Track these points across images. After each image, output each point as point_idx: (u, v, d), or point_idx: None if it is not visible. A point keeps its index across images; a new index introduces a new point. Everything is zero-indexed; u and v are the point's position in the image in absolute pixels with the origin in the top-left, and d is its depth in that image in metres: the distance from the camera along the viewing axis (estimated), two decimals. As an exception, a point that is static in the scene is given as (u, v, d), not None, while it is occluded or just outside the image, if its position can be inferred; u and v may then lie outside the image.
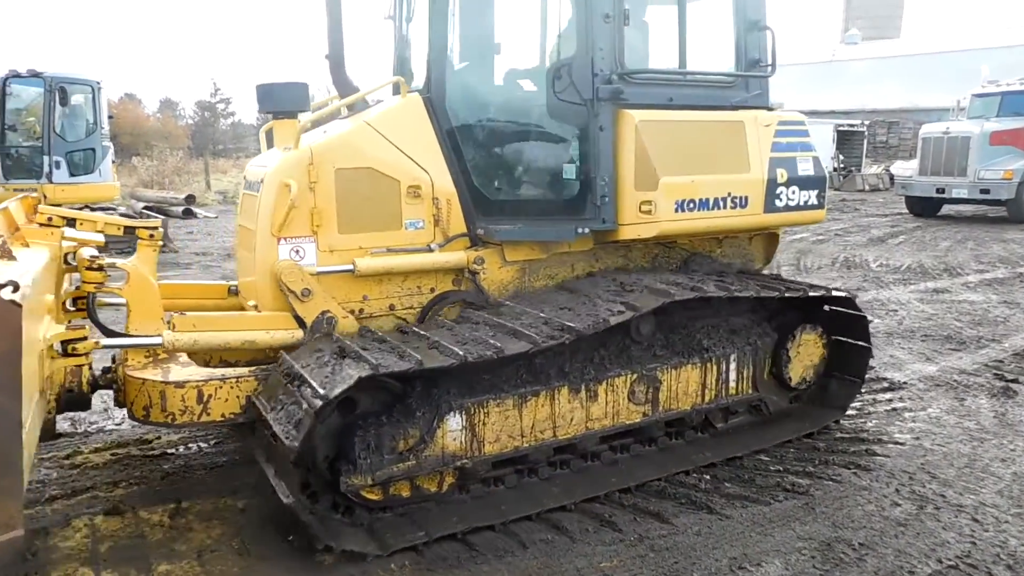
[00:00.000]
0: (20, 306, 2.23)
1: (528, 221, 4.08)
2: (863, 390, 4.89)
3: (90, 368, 3.62)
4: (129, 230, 3.87)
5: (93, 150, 12.68)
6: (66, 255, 3.76)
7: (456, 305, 4.08)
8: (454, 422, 3.44)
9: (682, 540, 3.39)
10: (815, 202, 4.60)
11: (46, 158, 12.09)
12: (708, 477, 3.97)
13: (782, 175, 4.43)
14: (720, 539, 3.41)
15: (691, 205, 4.14)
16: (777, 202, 4.45)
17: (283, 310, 3.71)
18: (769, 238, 5.02)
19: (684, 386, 4.09)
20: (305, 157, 3.69)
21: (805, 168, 4.55)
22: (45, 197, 11.42)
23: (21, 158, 12.26)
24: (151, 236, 3.80)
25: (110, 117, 13.52)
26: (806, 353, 4.49)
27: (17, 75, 12.26)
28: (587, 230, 4.07)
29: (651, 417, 4.01)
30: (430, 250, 3.96)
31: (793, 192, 4.49)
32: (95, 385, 3.63)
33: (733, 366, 4.24)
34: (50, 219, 3.62)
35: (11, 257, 2.90)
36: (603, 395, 3.84)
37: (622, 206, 4.11)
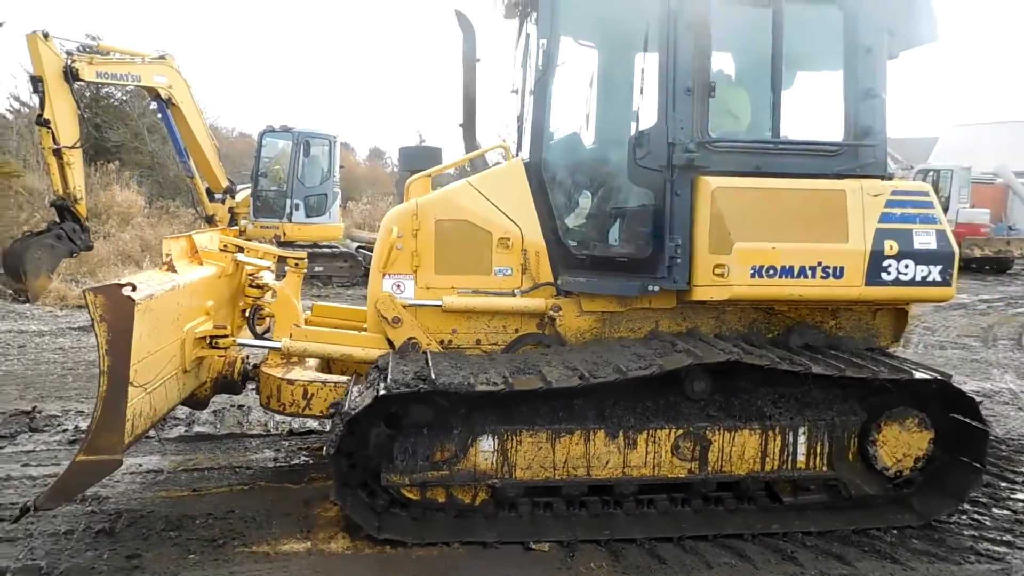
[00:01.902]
0: (134, 301, 3.33)
1: (601, 276, 4.43)
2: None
3: (243, 361, 4.81)
4: (281, 259, 5.00)
5: (326, 195, 14.67)
6: (250, 275, 5.03)
7: (537, 345, 4.55)
8: (486, 444, 3.92)
9: None
10: (938, 278, 4.24)
11: (288, 201, 14.22)
12: (895, 531, 4.07)
13: (891, 247, 4.18)
14: None
15: (771, 272, 4.14)
16: (884, 275, 4.20)
17: (382, 333, 4.54)
18: (897, 313, 4.68)
19: (739, 451, 4.07)
20: (411, 209, 4.50)
21: (925, 241, 4.24)
22: (284, 234, 13.82)
23: (268, 200, 14.52)
24: (296, 265, 4.89)
25: (340, 167, 15.48)
26: (900, 439, 4.14)
27: (272, 130, 14.70)
28: (656, 288, 4.29)
29: (698, 475, 4.07)
30: (513, 295, 4.51)
31: (906, 266, 4.21)
32: (245, 376, 4.81)
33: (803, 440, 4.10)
34: (225, 246, 4.89)
35: (173, 269, 4.13)
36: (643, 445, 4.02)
37: (696, 268, 4.26)
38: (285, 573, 3.56)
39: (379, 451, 3.92)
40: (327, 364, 4.97)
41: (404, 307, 4.47)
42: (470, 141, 5.02)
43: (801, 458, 4.11)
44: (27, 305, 10.36)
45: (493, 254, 4.53)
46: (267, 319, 5.05)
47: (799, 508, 4.20)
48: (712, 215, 4.16)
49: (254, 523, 4.05)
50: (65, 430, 5.53)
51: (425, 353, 4.28)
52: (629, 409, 4.04)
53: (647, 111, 4.34)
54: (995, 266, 19.90)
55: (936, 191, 17.09)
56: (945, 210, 19.72)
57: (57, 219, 11.12)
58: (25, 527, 3.95)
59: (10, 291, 10.77)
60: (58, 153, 10.65)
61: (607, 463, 4.01)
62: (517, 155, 4.88)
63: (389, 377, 3.79)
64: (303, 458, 5.04)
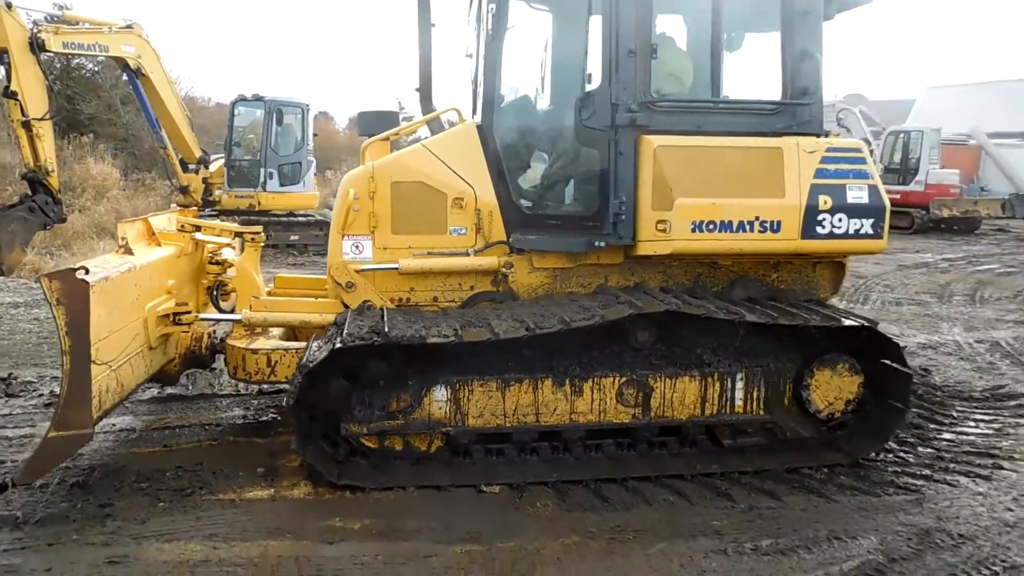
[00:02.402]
0: (88, 284, 3.52)
1: (551, 233, 4.62)
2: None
3: (210, 336, 5.03)
4: (238, 234, 5.17)
5: (300, 164, 14.62)
6: (210, 253, 5.21)
7: (491, 302, 4.75)
8: (440, 393, 4.14)
9: (788, 513, 3.90)
10: (870, 231, 4.45)
11: (262, 170, 14.18)
12: (826, 469, 4.35)
13: (825, 202, 4.39)
14: (824, 516, 3.86)
15: (711, 226, 4.33)
16: (819, 229, 4.40)
17: (338, 298, 4.73)
18: (835, 266, 4.92)
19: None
20: (367, 172, 4.65)
21: (857, 196, 4.44)
22: (259, 203, 13.85)
23: (242, 170, 14.46)
24: (253, 239, 5.07)
25: (314, 135, 15.42)
26: (832, 384, 4.39)
27: (243, 99, 14.62)
28: (603, 244, 4.49)
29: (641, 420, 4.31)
30: (467, 254, 4.70)
31: (840, 220, 4.42)
32: (213, 350, 5.02)
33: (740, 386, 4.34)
34: (182, 226, 5.06)
35: (129, 252, 4.31)
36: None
37: (640, 224, 4.45)
38: (248, 517, 3.78)
39: (338, 403, 4.12)
40: (293, 332, 5.16)
41: (357, 272, 4.64)
42: (426, 105, 5.16)
43: (739, 403, 4.36)
44: (1, 278, 10.41)
45: (448, 214, 4.70)
46: (232, 294, 5.23)
47: (738, 450, 4.46)
48: (654, 173, 4.34)
49: (222, 474, 4.25)
50: (40, 395, 5.69)
51: (382, 310, 4.47)
52: (575, 359, 4.26)
53: (592, 73, 4.50)
54: (963, 226, 20.25)
55: (907, 152, 17.88)
56: (915, 171, 20.43)
57: (29, 192, 11.10)
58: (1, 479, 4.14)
59: (-16, 264, 10.80)
60: (27, 125, 10.55)
61: (555, 410, 4.24)
62: (472, 118, 5.02)
63: (345, 331, 3.98)
64: (271, 415, 5.24)
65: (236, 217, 13.54)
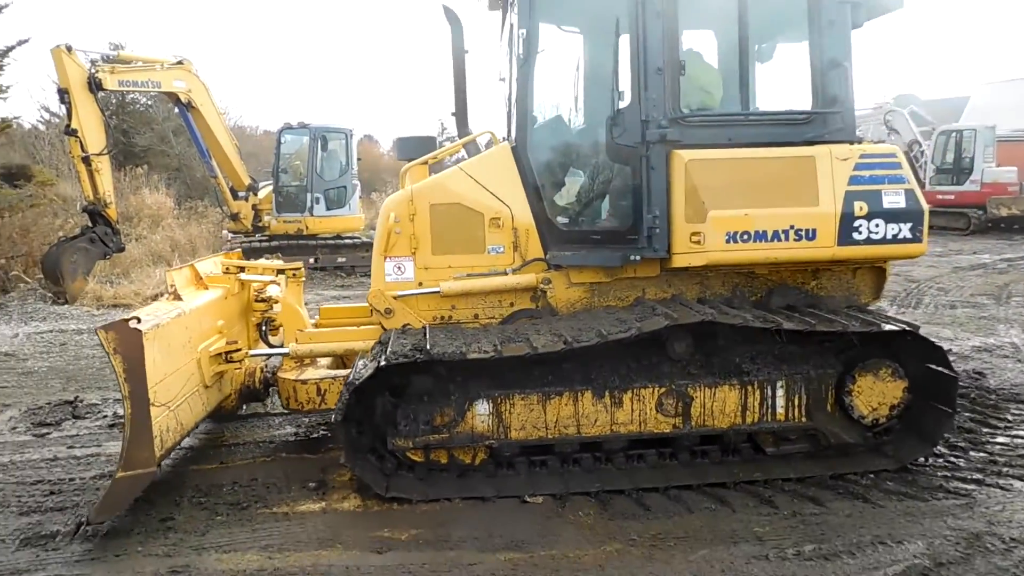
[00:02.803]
0: (141, 332, 3.75)
1: (587, 249, 4.71)
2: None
3: (262, 370, 5.27)
4: (280, 271, 5.41)
5: (345, 188, 14.97)
6: (257, 291, 5.47)
7: (531, 319, 4.86)
8: (482, 407, 4.25)
9: (832, 518, 3.89)
10: (908, 235, 4.44)
11: (309, 195, 14.55)
12: (872, 475, 4.33)
13: (861, 208, 4.40)
14: (869, 521, 3.85)
15: (745, 237, 4.38)
16: (856, 235, 4.42)
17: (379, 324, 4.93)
18: (875, 272, 4.90)
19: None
20: (407, 195, 4.82)
21: (894, 201, 4.44)
22: (307, 228, 14.17)
23: (290, 195, 14.84)
24: (294, 275, 5.29)
25: (358, 159, 15.74)
26: (875, 389, 4.37)
27: (289, 127, 15.02)
28: (638, 257, 4.56)
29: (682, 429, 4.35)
30: (505, 273, 4.82)
31: (877, 225, 4.42)
32: (267, 384, 5.25)
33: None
34: (227, 268, 5.31)
35: (178, 298, 4.57)
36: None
37: (674, 237, 4.52)
38: (301, 529, 3.93)
39: (384, 418, 4.27)
40: (341, 361, 5.38)
41: (395, 298, 4.80)
42: (462, 129, 5.32)
43: (780, 410, 4.37)
44: (66, 306, 10.92)
45: (485, 234, 4.83)
46: (280, 328, 5.49)
47: (781, 457, 4.47)
48: (687, 186, 4.41)
49: (275, 488, 4.44)
50: (105, 416, 5.99)
51: (424, 328, 4.61)
52: (614, 371, 4.34)
53: (623, 91, 4.61)
54: (1023, 225, 19.62)
55: (959, 151, 17.41)
56: (969, 171, 19.90)
57: (89, 223, 11.65)
58: (72, 499, 4.38)
59: (50, 294, 11.35)
60: (87, 161, 11.15)
61: (596, 421, 4.31)
62: (505, 140, 5.17)
63: (389, 349, 4.13)
64: (321, 432, 5.42)
65: (282, 244, 13.95)
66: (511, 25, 5.22)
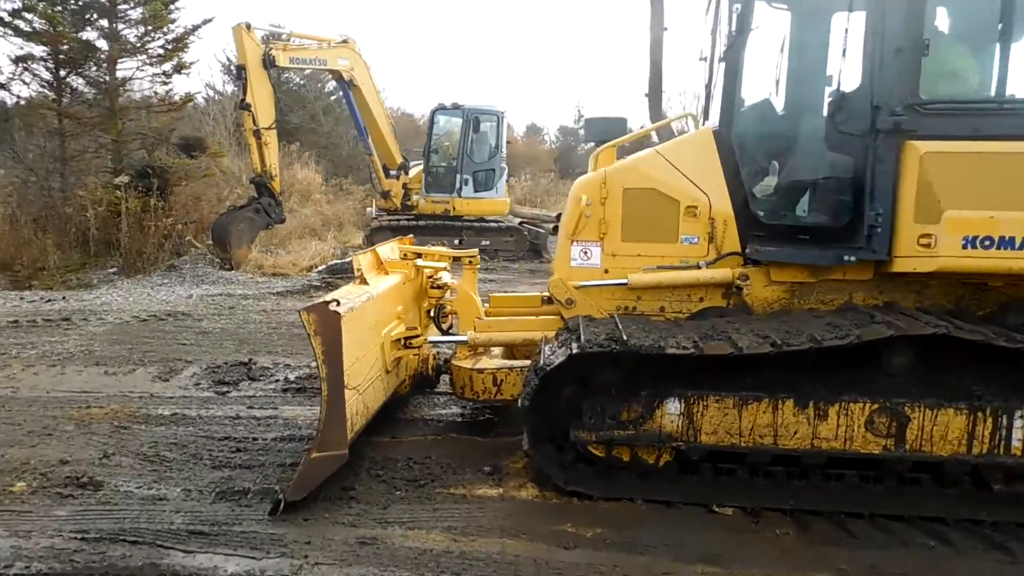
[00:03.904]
0: (340, 314, 3.74)
1: (793, 245, 4.34)
2: None
3: (435, 358, 5.25)
4: (456, 259, 5.33)
5: (494, 170, 14.82)
6: (429, 277, 5.43)
7: (721, 317, 4.55)
8: (673, 406, 4.00)
9: None
10: None
11: (458, 176, 14.50)
12: None
13: None
14: None
15: (987, 243, 3.88)
16: None
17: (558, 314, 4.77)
18: None
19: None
20: (600, 178, 4.61)
21: None
22: (454, 209, 14.21)
23: (439, 176, 14.85)
24: (470, 262, 5.21)
25: (508, 143, 15.58)
26: None
27: (443, 108, 14.97)
28: (853, 259, 4.15)
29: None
30: (698, 267, 4.53)
31: None
32: (439, 371, 5.25)
33: (1017, 423, 3.84)
34: (405, 255, 5.29)
35: (365, 282, 4.57)
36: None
37: (898, 238, 4.07)
38: (481, 514, 3.83)
39: (569, 408, 4.10)
40: (510, 350, 5.29)
41: (576, 288, 4.62)
42: (656, 111, 5.07)
43: (1017, 443, 3.85)
44: (232, 272, 11.53)
45: (680, 222, 4.56)
46: (450, 316, 5.45)
47: (1012, 497, 3.95)
48: (919, 182, 3.95)
49: (449, 468, 4.37)
50: (277, 380, 6.18)
51: (614, 317, 4.40)
52: (821, 380, 3.97)
53: (848, 73, 4.19)
54: None
55: None
56: None
57: (255, 194, 12.24)
58: (258, 458, 4.50)
59: (217, 259, 12.02)
60: (257, 134, 11.70)
61: (795, 433, 3.96)
62: (704, 123, 4.86)
63: (582, 337, 3.95)
64: (487, 415, 5.33)
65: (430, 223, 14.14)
66: (718, 1, 4.90)
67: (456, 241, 13.81)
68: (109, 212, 12.19)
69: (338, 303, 3.89)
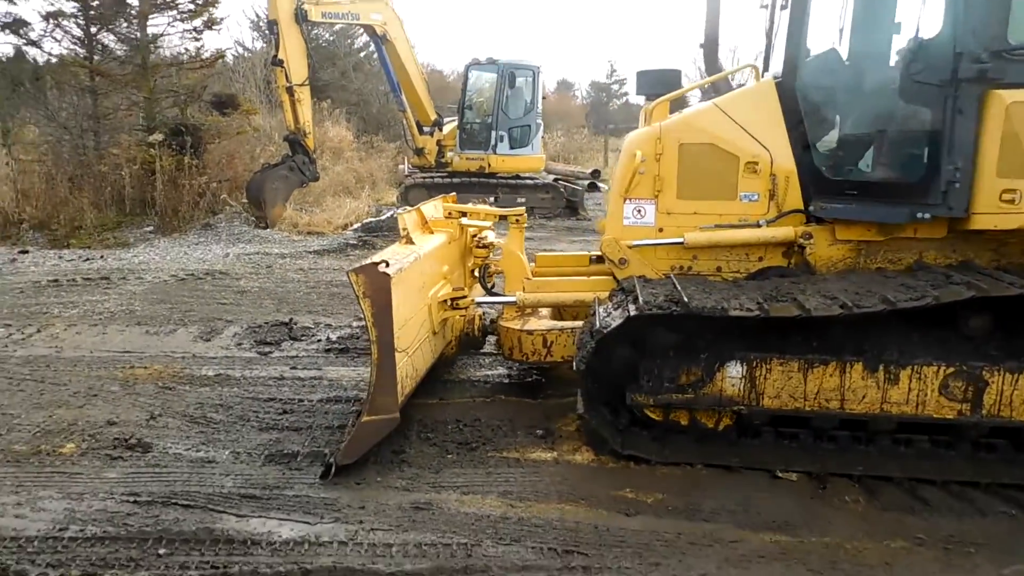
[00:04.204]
0: (389, 276, 3.61)
1: (861, 202, 4.12)
2: None
3: (481, 319, 5.12)
4: (502, 217, 5.16)
5: (529, 126, 14.43)
6: (473, 236, 5.27)
7: (782, 277, 4.36)
8: (734, 370, 3.85)
9: None
10: None
11: (493, 133, 14.15)
12: None
13: None
14: None
15: (1078, 199, 3.65)
16: None
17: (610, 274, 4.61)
18: None
19: (1020, 395, 3.69)
20: (655, 133, 4.40)
21: None
22: (489, 166, 13.94)
23: (473, 133, 14.52)
24: (517, 221, 5.03)
25: (543, 98, 15.11)
26: None
27: (478, 63, 14.58)
28: (928, 216, 3.92)
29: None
30: (758, 225, 4.33)
31: None
32: (485, 331, 5.13)
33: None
34: (450, 214, 5.14)
35: (411, 242, 4.42)
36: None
37: (978, 194, 3.83)
38: (537, 478, 3.75)
39: (625, 371, 3.97)
40: (557, 311, 5.16)
41: (629, 247, 4.46)
42: (711, 62, 4.82)
43: (1094, 409, 3.66)
44: (267, 231, 11.49)
45: (739, 179, 4.35)
46: (494, 275, 5.29)
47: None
48: (1004, 134, 3.70)
49: (500, 431, 4.29)
50: (319, 340, 6.13)
51: (671, 277, 4.23)
52: (892, 343, 3.78)
53: (927, 19, 3.92)
54: None
55: None
56: None
57: (289, 152, 12.13)
58: (305, 420, 4.45)
59: (252, 217, 11.98)
60: (290, 91, 11.53)
61: (863, 397, 3.79)
62: (765, 75, 4.61)
63: (640, 299, 3.80)
64: (534, 376, 5.23)
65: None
66: (783, -58, 4.60)
67: (491, 199, 13.61)
68: (143, 170, 12.17)
69: (387, 264, 3.77)
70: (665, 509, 3.47)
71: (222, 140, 13.43)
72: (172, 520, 3.31)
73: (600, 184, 18.22)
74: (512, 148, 14.27)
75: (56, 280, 8.19)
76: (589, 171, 18.40)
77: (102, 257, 9.70)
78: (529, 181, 14.42)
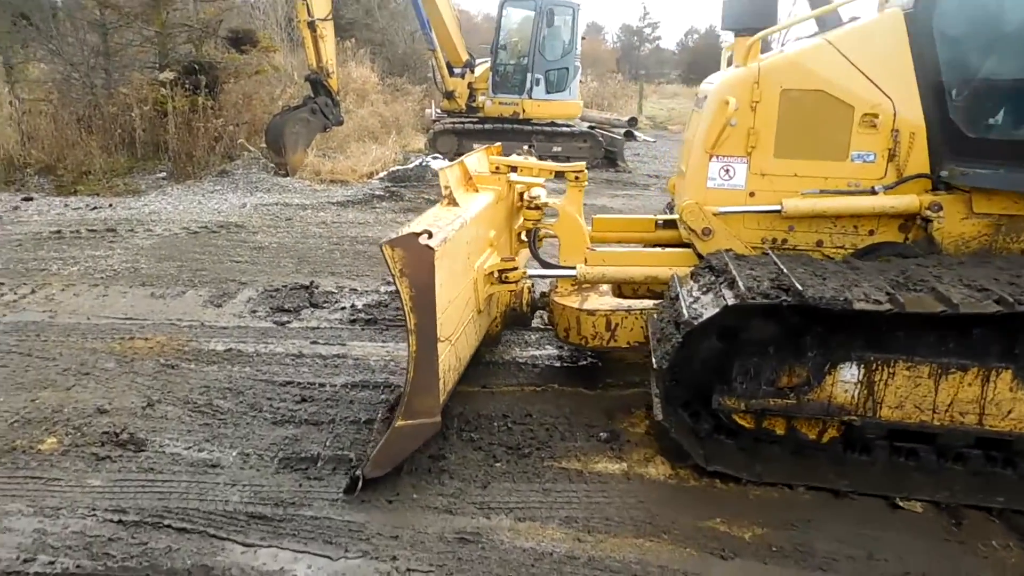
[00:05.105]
0: (433, 250, 2.88)
1: (1011, 167, 3.33)
2: None
3: (530, 292, 4.37)
4: (559, 174, 4.34)
5: (567, 69, 13.30)
6: (521, 194, 4.46)
7: (897, 255, 3.61)
8: (848, 373, 3.13)
9: None
10: None
11: (529, 75, 13.06)
12: None
13: None
14: None
15: None
16: None
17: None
18: None
19: None
20: (751, 75, 3.62)
21: None
22: (523, 111, 12.93)
23: (507, 75, 13.44)
24: (576, 179, 4.21)
25: (582, 39, 13.94)
26: None
27: None
28: (1100, 186, 3.15)
29: None
30: (873, 192, 3.57)
31: None
32: (534, 307, 4.39)
33: None
34: (497, 168, 4.35)
35: (455, 203, 3.66)
36: (1066, 395, 3.02)
37: None
38: (606, 500, 3.11)
39: (714, 369, 3.28)
40: (618, 286, 4.37)
41: (715, 215, 3.70)
42: (817, -12, 3.96)
43: None
44: (287, 179, 10.77)
45: (852, 135, 3.57)
46: (543, 240, 4.50)
47: None
48: None
49: (556, 432, 3.64)
50: (343, 308, 5.47)
51: (770, 256, 3.49)
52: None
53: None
54: None
55: None
56: None
57: (311, 93, 11.32)
58: (327, 412, 3.82)
59: (272, 164, 11.25)
60: (312, 26, 10.67)
61: (1009, 412, 3.07)
62: (889, 4, 3.76)
63: (741, 284, 3.07)
64: (590, 359, 4.55)
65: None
66: None
67: (525, 147, 12.72)
68: (155, 112, 11.44)
69: (429, 235, 3.04)
70: (768, 550, 2.81)
71: (239, 80, 12.61)
72: (163, 550, 2.71)
73: (636, 133, 17.20)
74: (548, 92, 13.20)
75: (59, 231, 7.57)
76: (626, 119, 17.33)
77: (110, 206, 9.05)
78: (565, 129, 13.41)
